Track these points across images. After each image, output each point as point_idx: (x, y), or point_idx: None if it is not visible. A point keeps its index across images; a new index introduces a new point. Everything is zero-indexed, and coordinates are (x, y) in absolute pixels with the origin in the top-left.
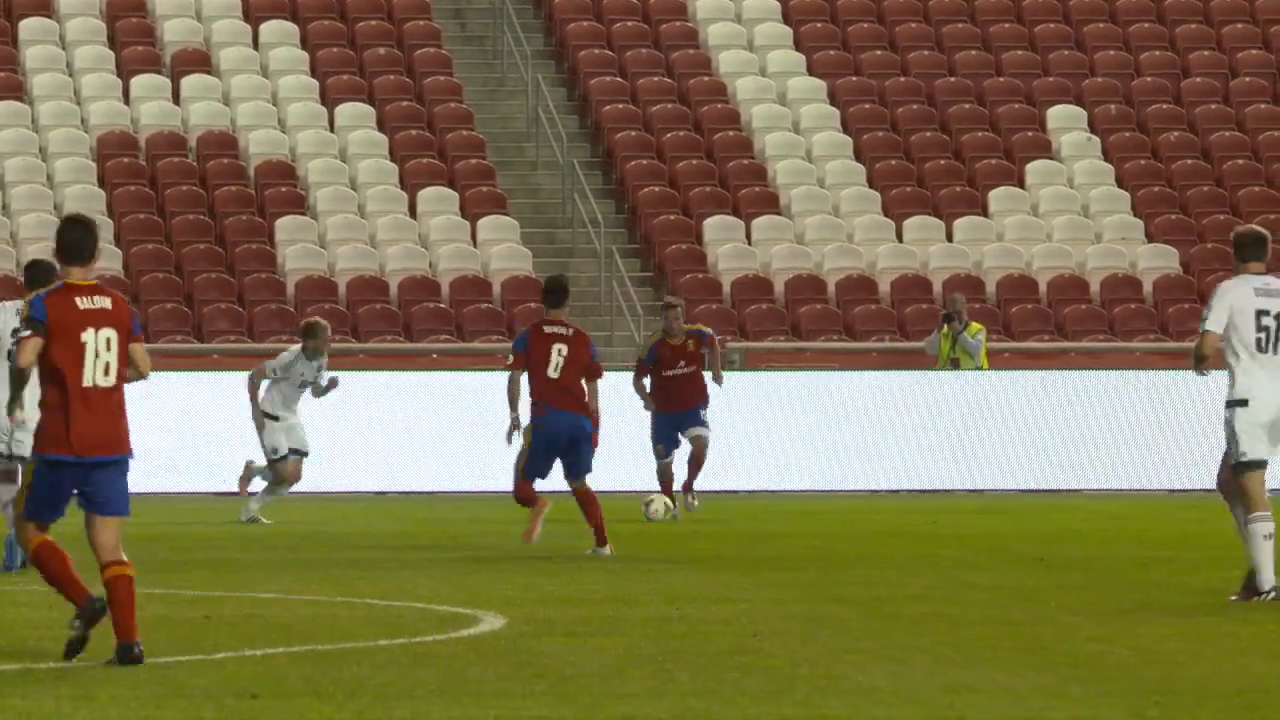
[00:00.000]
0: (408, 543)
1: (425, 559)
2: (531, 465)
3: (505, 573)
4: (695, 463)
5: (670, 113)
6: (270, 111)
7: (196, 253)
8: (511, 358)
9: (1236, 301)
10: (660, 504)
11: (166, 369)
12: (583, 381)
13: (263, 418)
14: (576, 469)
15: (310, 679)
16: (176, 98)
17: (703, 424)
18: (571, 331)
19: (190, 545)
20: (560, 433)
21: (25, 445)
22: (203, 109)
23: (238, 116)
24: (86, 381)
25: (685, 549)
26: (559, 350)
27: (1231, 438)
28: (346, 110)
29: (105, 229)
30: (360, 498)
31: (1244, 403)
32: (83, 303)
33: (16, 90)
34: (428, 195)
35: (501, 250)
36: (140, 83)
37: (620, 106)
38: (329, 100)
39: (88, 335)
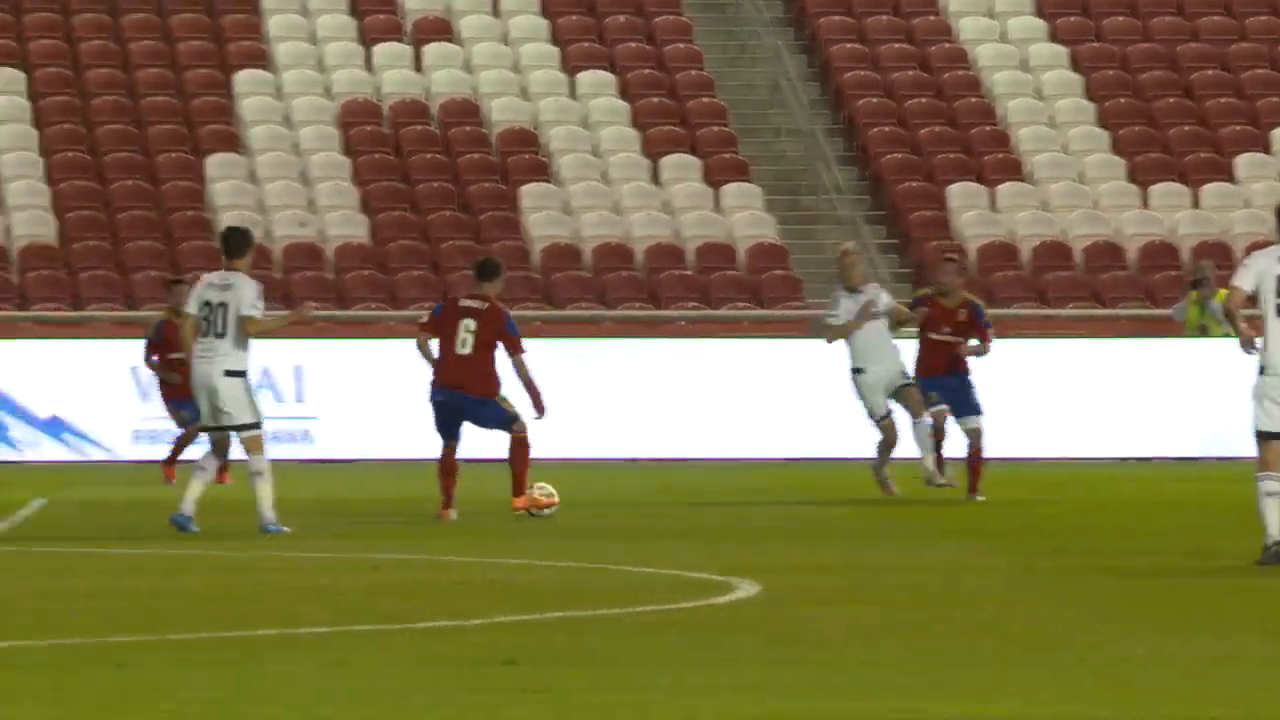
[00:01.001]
0: (658, 510)
1: (676, 526)
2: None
3: (758, 540)
4: (974, 459)
5: (912, 80)
6: (512, 79)
7: (442, 220)
8: None
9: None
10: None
11: (410, 336)
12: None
13: None
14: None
15: (565, 645)
16: (419, 65)
17: (977, 411)
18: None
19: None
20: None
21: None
22: (445, 77)
23: (480, 84)
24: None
25: (937, 518)
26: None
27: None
28: (588, 78)
29: (350, 196)
30: (610, 464)
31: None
32: None
33: (261, 59)
34: (670, 162)
35: (745, 217)
36: (383, 50)
37: (862, 73)
38: (570, 68)
39: None
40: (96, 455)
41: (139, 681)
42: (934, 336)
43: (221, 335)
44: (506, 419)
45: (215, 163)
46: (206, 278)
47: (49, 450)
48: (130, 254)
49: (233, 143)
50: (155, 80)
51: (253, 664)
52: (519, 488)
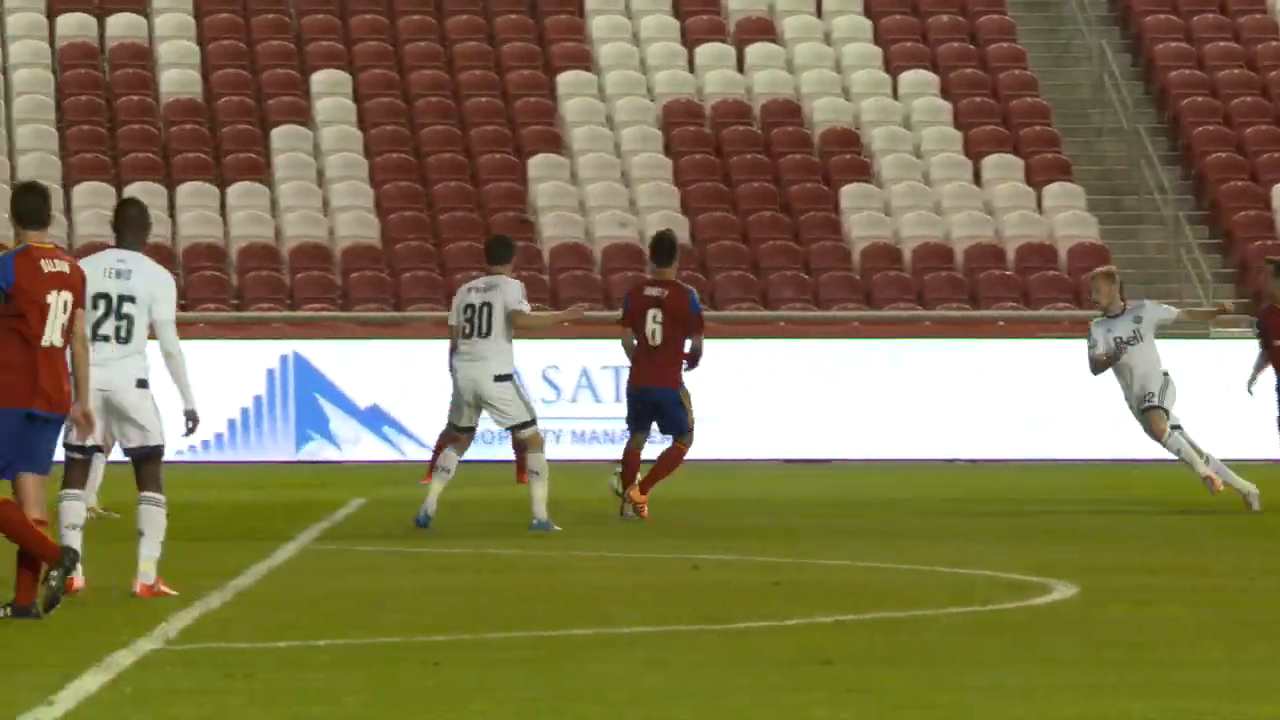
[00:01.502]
0: (975, 510)
1: (993, 527)
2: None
3: (1074, 541)
4: None
5: (1238, 78)
6: (834, 79)
7: (762, 221)
8: None
9: None
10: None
11: (731, 336)
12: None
13: None
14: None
15: (882, 646)
16: (741, 66)
17: None
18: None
19: (757, 511)
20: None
21: None
22: (767, 77)
23: (801, 84)
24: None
25: (1250, 518)
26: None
27: None
28: (910, 77)
29: (671, 197)
30: (926, 465)
31: None
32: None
33: (584, 60)
34: (992, 162)
35: (1067, 217)
36: (705, 51)
37: (1187, 72)
38: (892, 68)
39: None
40: (416, 454)
41: (454, 680)
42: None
43: (486, 335)
44: (683, 429)
45: (537, 164)
46: (467, 284)
47: (370, 448)
48: (452, 255)
49: (555, 144)
50: (479, 82)
51: (567, 663)
52: (650, 483)
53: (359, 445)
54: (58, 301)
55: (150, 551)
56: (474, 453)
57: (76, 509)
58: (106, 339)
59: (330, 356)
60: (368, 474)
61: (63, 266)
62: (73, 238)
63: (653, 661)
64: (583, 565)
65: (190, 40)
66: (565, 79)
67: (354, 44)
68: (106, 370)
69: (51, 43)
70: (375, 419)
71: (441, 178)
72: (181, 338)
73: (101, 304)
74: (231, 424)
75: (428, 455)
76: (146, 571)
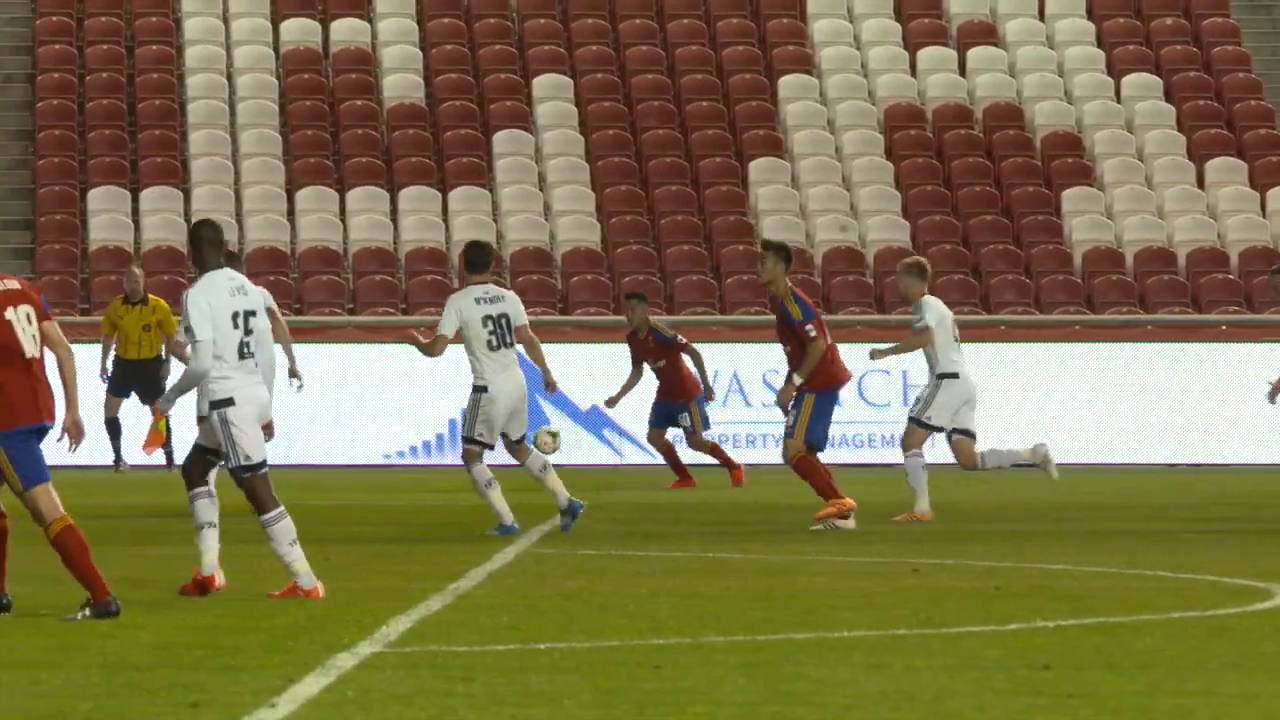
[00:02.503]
0: (1197, 514)
1: (1216, 531)
2: None
3: None
4: None
5: None
6: (1056, 83)
7: (983, 225)
8: None
9: None
10: None
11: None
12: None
13: None
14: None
15: (1102, 650)
16: (963, 70)
17: None
18: None
19: (982, 517)
20: None
21: None
22: (988, 80)
23: (1023, 88)
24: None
25: None
26: None
27: None
28: (1133, 81)
29: (892, 201)
30: (1150, 469)
31: None
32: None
33: (805, 64)
34: (1215, 166)
35: None
36: (927, 55)
37: None
38: (1115, 71)
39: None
40: (636, 458)
41: (675, 683)
42: None
43: (511, 346)
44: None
45: (758, 167)
46: (469, 295)
47: (590, 452)
48: (672, 259)
49: (776, 147)
50: (700, 86)
51: (788, 666)
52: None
53: (581, 449)
54: (18, 315)
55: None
56: (692, 457)
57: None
58: (250, 356)
59: (551, 360)
60: (588, 477)
61: (13, 285)
62: (296, 242)
63: (873, 665)
64: (807, 570)
65: (413, 45)
66: (786, 82)
67: (575, 48)
68: (263, 389)
69: (276, 48)
70: (596, 422)
71: (662, 182)
72: (397, 342)
73: (241, 323)
74: (452, 424)
75: (648, 459)
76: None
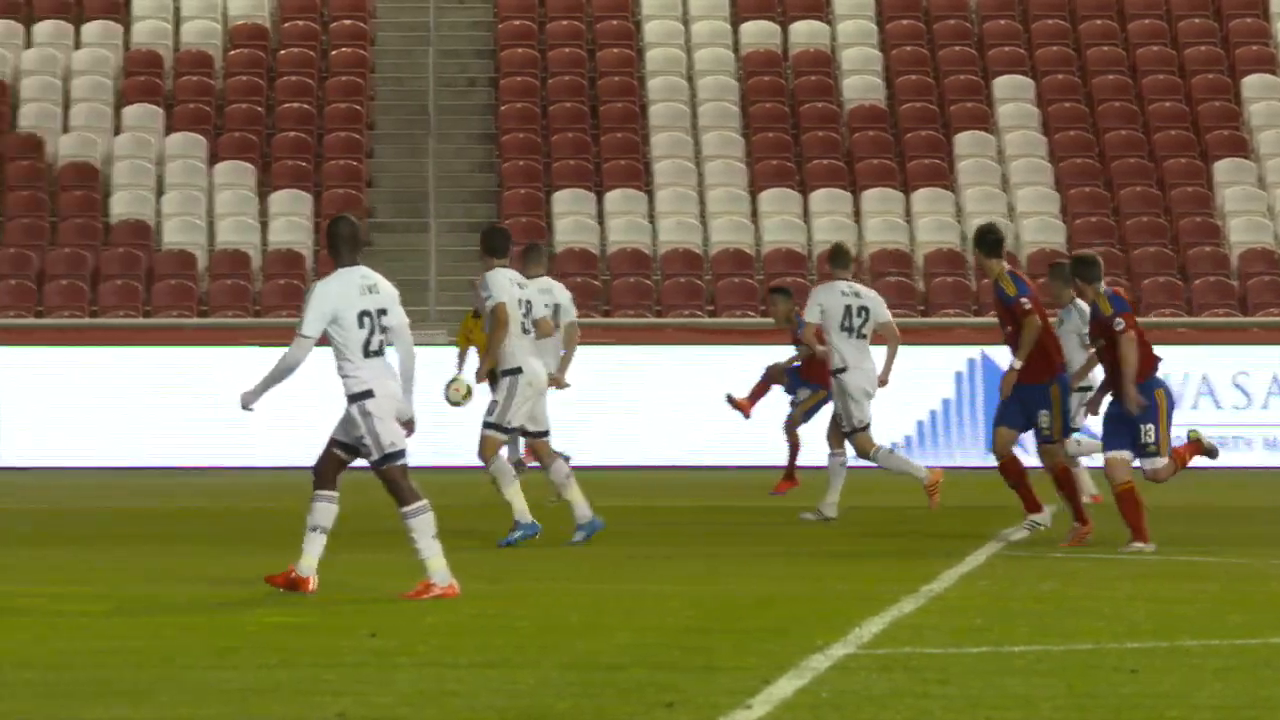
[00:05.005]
0: None
1: None
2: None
3: None
4: None
5: None
6: None
7: None
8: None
9: None
10: None
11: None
12: None
13: None
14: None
15: None
16: None
17: None
18: None
19: None
20: None
21: None
22: None
23: None
24: None
25: None
26: None
27: None
28: None
29: None
30: None
31: None
32: None
33: (1269, 64)
34: None
35: None
36: None
37: None
38: None
39: None
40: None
41: (1151, 688)
42: None
43: (530, 333)
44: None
45: (1223, 168)
46: (510, 275)
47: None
48: (1137, 260)
49: (1241, 148)
50: (1161, 86)
51: (1267, 671)
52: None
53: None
54: None
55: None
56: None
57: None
58: (379, 353)
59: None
60: None
61: None
62: (760, 244)
63: None
64: (1276, 574)
65: (872, 47)
66: (1250, 83)
67: (1036, 49)
68: (397, 384)
69: (736, 50)
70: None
71: (1126, 183)
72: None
73: (367, 321)
74: (920, 426)
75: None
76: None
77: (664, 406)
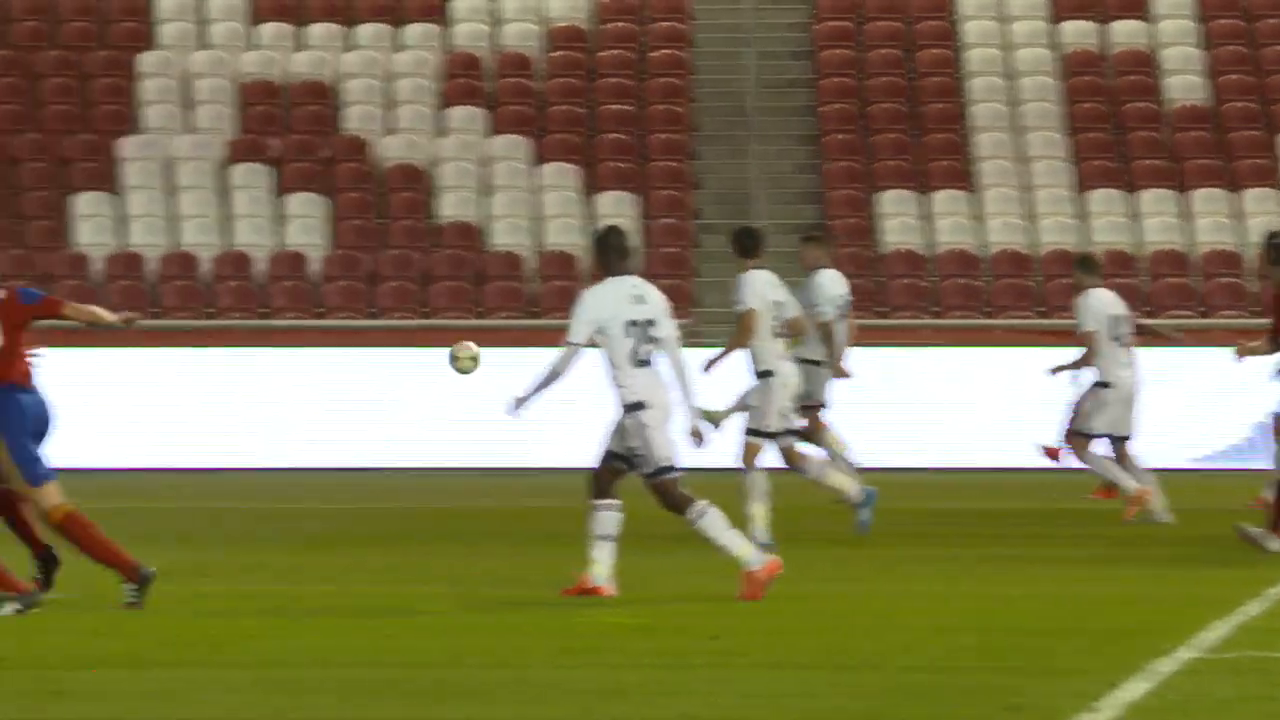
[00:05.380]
0: None
1: None
2: None
3: None
4: None
5: None
6: None
7: None
8: None
9: None
10: None
11: None
12: None
13: None
14: None
15: None
16: None
17: None
18: None
19: None
20: None
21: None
22: None
23: None
24: None
25: None
26: None
27: None
28: None
29: None
30: None
31: None
32: None
33: None
34: None
35: None
36: None
37: None
38: None
39: None
40: None
41: None
42: None
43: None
44: None
45: None
46: (764, 278)
47: None
48: None
49: None
50: None
51: None
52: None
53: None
54: None
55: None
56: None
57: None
58: (648, 363)
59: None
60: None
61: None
62: (1088, 245)
63: None
64: None
65: (1194, 46)
66: None
67: None
68: (667, 393)
69: (1056, 50)
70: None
71: None
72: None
73: (634, 331)
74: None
75: None
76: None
77: (996, 407)
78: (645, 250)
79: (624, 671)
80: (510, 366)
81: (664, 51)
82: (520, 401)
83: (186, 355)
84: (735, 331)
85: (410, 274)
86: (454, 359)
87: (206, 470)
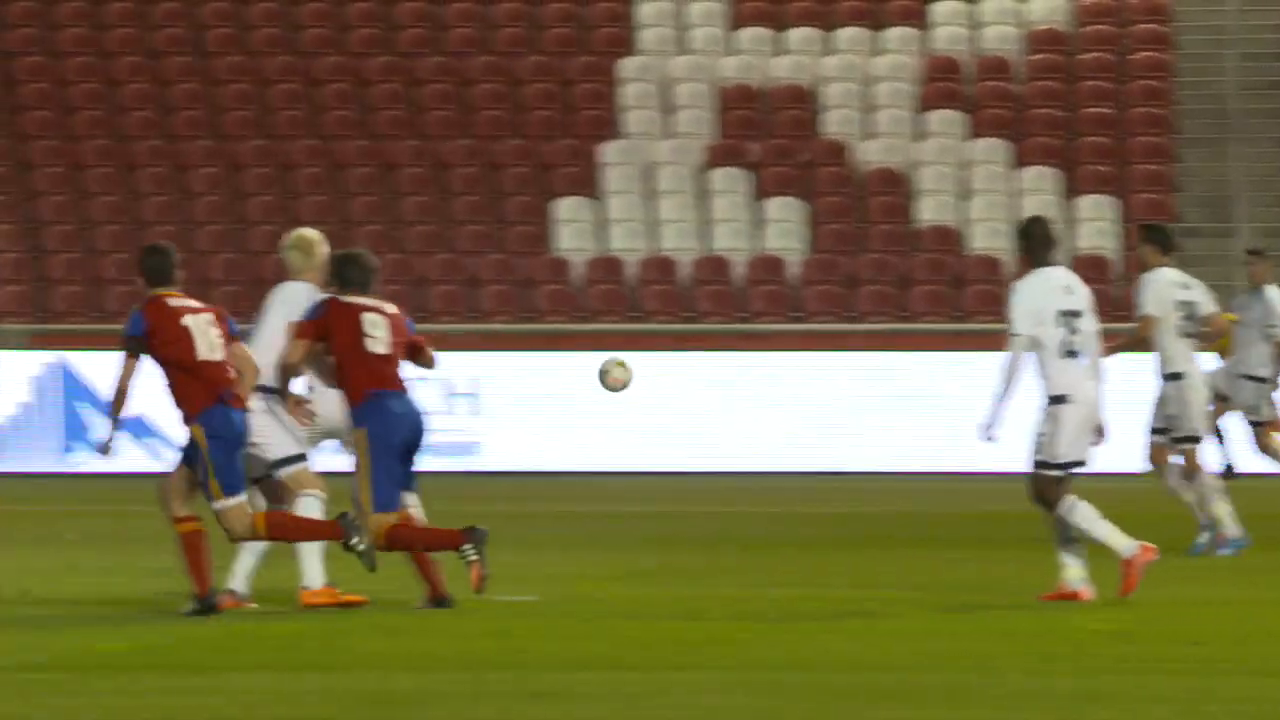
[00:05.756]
0: None
1: None
2: None
3: None
4: None
5: None
6: None
7: None
8: None
9: None
10: None
11: None
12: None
13: None
14: None
15: None
16: None
17: None
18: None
19: None
20: None
21: None
22: None
23: None
24: None
25: None
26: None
27: None
28: None
29: None
30: None
31: None
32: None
33: None
34: None
35: None
36: None
37: None
38: None
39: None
40: None
41: None
42: None
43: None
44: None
45: None
46: (1170, 277)
47: None
48: None
49: None
50: None
51: None
52: None
53: None
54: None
55: None
56: None
57: None
58: (1075, 354)
59: None
60: None
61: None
62: None
63: None
64: None
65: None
66: None
67: None
68: (1094, 389)
69: None
70: None
71: None
72: None
73: (1065, 321)
74: None
75: None
76: None
77: None
78: (1125, 254)
79: (1103, 677)
80: (988, 370)
81: (1145, 54)
82: (988, 427)
83: (666, 360)
84: (1133, 333)
85: (889, 278)
86: (604, 375)
87: (685, 474)
